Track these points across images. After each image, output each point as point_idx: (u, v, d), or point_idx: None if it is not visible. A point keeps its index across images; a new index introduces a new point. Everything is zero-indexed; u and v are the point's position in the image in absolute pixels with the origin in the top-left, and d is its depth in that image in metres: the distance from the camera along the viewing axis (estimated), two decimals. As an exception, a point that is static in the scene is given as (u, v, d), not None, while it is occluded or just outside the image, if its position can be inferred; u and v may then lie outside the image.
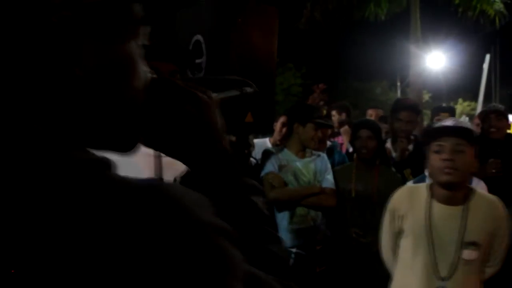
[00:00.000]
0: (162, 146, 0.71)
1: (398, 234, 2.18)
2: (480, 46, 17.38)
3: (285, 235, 3.09)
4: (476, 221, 2.02)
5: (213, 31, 1.73)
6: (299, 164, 3.24)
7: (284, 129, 3.92)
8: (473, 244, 2.00)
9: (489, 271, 2.08)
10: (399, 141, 3.49)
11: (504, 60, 21.05)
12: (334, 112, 4.86)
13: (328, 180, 3.24)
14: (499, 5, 11.67)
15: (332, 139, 4.48)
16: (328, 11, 12.16)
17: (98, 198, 0.44)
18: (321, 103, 6.84)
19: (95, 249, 0.42)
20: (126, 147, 0.61)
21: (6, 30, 0.49)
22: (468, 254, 2.00)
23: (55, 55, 0.51)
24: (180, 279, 0.44)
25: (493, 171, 3.27)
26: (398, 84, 23.69)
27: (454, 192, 2.05)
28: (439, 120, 3.97)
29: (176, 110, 0.68)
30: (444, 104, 5.05)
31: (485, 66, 12.78)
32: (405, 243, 2.14)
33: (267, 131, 3.56)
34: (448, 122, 2.08)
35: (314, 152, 3.37)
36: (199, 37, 1.86)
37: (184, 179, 0.71)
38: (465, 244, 2.00)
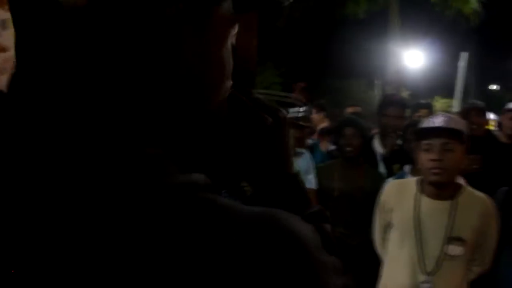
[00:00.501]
0: (230, 163, 0.63)
1: (386, 228, 2.20)
2: (457, 44, 17.64)
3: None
4: (464, 217, 2.03)
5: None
6: None
7: None
8: (458, 240, 2.02)
9: (476, 270, 2.10)
10: (388, 136, 3.51)
11: (480, 58, 21.41)
12: (312, 111, 4.90)
13: (310, 180, 3.23)
14: (474, 4, 11.87)
15: (313, 138, 4.48)
16: (307, 9, 12.21)
17: (206, 229, 0.39)
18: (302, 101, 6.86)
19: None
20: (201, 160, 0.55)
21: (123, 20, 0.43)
22: (453, 249, 2.02)
23: (160, 50, 0.45)
24: None
25: (474, 167, 3.30)
26: (377, 82, 23.89)
27: (443, 188, 2.07)
28: (419, 116, 4.01)
29: (256, 126, 0.60)
30: (422, 101, 5.11)
31: (461, 63, 12.98)
32: (393, 236, 2.16)
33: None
34: (438, 120, 2.07)
35: (297, 150, 3.36)
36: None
37: (250, 200, 0.63)
38: (450, 239, 2.01)
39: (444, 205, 2.07)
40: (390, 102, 3.63)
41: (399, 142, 3.53)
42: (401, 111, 3.60)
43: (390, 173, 3.25)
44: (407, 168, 3.09)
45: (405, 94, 20.86)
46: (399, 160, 3.33)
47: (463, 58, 13.25)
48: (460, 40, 17.70)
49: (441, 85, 22.81)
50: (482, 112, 3.92)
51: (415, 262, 2.06)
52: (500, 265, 2.71)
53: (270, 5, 0.63)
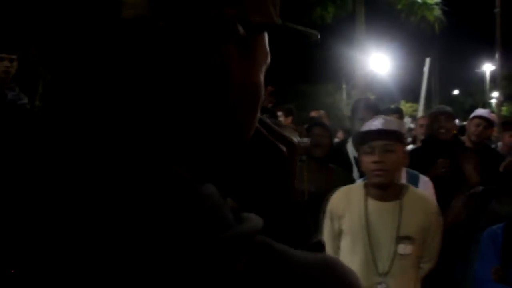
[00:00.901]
0: (240, 191, 0.59)
1: (338, 236, 2.22)
2: (422, 50, 18.08)
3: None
4: (410, 216, 2.08)
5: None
6: None
7: None
8: (407, 239, 2.06)
9: (425, 267, 2.15)
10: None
11: (443, 64, 22.00)
12: (280, 114, 4.92)
13: None
14: (438, 12, 12.20)
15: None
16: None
17: (269, 278, 0.38)
18: (269, 105, 6.87)
19: None
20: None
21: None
22: (403, 248, 2.06)
23: (211, 72, 0.42)
24: None
25: (443, 170, 3.37)
26: (344, 86, 24.22)
27: (387, 189, 2.12)
28: None
29: (273, 156, 0.57)
30: (392, 106, 5.17)
31: (426, 69, 13.29)
32: (345, 243, 2.19)
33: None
34: (377, 123, 2.11)
35: None
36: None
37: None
38: (400, 239, 2.06)
39: (390, 205, 2.11)
40: (363, 106, 3.67)
41: None
42: (372, 115, 3.62)
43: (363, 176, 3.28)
44: None
45: (371, 98, 21.23)
46: None
47: (427, 64, 13.58)
48: (425, 46, 18.17)
49: (407, 89, 23.33)
50: (451, 117, 3.99)
51: (368, 265, 2.08)
52: (469, 261, 2.79)
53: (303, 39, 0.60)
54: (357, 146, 2.22)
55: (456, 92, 32.28)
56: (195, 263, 0.35)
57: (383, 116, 2.22)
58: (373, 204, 2.14)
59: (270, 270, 0.38)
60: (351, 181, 3.21)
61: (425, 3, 11.96)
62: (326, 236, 2.30)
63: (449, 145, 3.70)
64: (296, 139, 0.61)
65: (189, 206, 0.38)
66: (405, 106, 24.00)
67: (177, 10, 0.40)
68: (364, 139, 2.11)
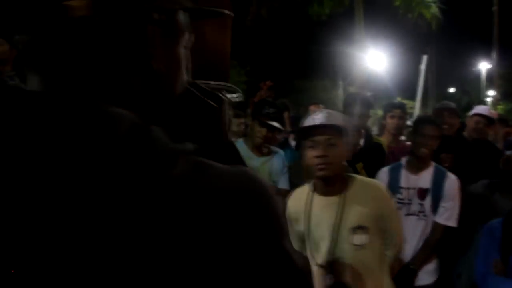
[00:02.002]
0: (184, 135, 0.76)
1: (300, 238, 2.20)
2: (418, 47, 18.09)
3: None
4: (358, 205, 2.07)
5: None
6: (255, 162, 3.20)
7: None
8: (360, 228, 2.05)
9: (391, 254, 2.15)
10: (351, 135, 3.53)
11: (439, 61, 22.03)
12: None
13: (284, 180, 3.23)
14: (434, 9, 12.20)
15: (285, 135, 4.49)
16: (274, 9, 12.25)
17: (200, 182, 0.52)
18: (269, 99, 6.87)
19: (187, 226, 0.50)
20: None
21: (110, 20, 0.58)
22: (358, 239, 2.05)
23: (141, 50, 0.60)
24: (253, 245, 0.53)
25: (446, 165, 3.39)
26: (340, 82, 24.25)
27: (332, 183, 2.11)
28: (392, 117, 4.04)
29: (204, 107, 0.77)
30: (396, 101, 5.14)
31: (422, 66, 13.31)
32: (307, 244, 2.17)
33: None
34: (319, 117, 2.10)
35: (272, 148, 3.35)
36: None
37: None
38: (352, 230, 2.04)
39: (334, 199, 2.10)
40: (355, 101, 3.65)
41: (361, 141, 3.57)
42: (365, 110, 3.59)
43: (354, 172, 3.27)
44: (403, 160, 3.12)
45: (367, 95, 21.23)
46: (362, 159, 3.36)
47: (424, 61, 13.59)
48: (422, 44, 18.17)
49: (403, 86, 23.34)
50: (454, 113, 4.00)
51: (325, 261, 2.07)
52: (470, 253, 2.80)
53: (216, 16, 0.85)
54: (300, 140, 2.21)
55: (452, 90, 32.35)
56: (138, 169, 0.50)
57: (325, 110, 2.22)
58: (317, 200, 2.14)
59: (198, 174, 0.53)
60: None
61: (422, 1, 11.96)
62: (294, 241, 2.28)
63: (452, 140, 3.72)
64: (223, 96, 0.81)
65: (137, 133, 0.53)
66: (401, 103, 24.08)
67: (111, 9, 0.57)
68: (307, 133, 2.10)
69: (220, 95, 0.79)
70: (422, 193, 2.99)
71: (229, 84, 1.06)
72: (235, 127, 5.18)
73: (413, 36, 15.51)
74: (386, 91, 21.98)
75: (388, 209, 2.13)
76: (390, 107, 4.23)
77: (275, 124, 3.21)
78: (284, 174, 3.25)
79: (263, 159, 3.26)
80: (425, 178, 3.02)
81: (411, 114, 10.95)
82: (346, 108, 3.61)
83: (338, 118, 2.13)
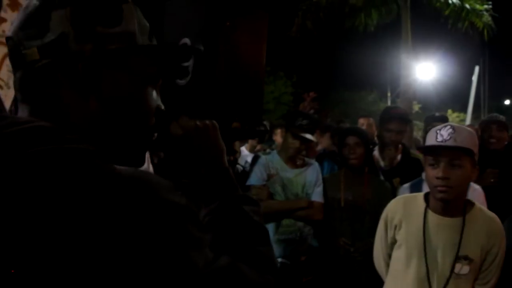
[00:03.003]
0: (170, 166, 0.89)
1: (391, 244, 2.13)
2: (470, 57, 17.56)
3: (270, 246, 3.04)
4: (472, 235, 1.95)
5: (201, 34, 1.69)
6: (288, 174, 3.18)
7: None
8: (466, 259, 1.95)
9: None
10: (387, 149, 3.46)
11: (493, 72, 21.28)
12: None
13: (317, 192, 3.19)
14: (487, 18, 11.80)
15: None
16: (319, 19, 12.21)
17: (90, 183, 0.59)
18: (312, 111, 6.82)
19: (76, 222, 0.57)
20: (139, 162, 0.80)
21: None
22: (460, 268, 1.94)
23: (78, 81, 0.72)
24: (147, 246, 0.60)
25: (491, 180, 3.26)
26: (389, 94, 23.83)
27: (451, 204, 1.99)
28: None
29: (181, 137, 0.87)
30: (437, 114, 4.97)
31: (474, 77, 12.93)
32: (398, 254, 2.09)
33: (253, 138, 3.50)
34: (444, 134, 1.95)
35: (306, 160, 3.33)
36: (186, 40, 1.82)
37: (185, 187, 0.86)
38: (458, 258, 1.94)
39: (452, 221, 1.98)
40: (393, 115, 3.58)
41: (399, 156, 3.50)
42: (402, 125, 3.50)
43: (391, 187, 3.21)
44: (424, 175, 3.05)
45: (416, 107, 20.79)
46: (399, 174, 3.28)
47: (476, 72, 13.18)
48: (474, 54, 17.63)
49: (454, 98, 22.71)
50: (503, 127, 3.84)
51: (421, 280, 1.98)
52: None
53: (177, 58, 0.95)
54: (423, 155, 2.07)
55: (507, 102, 31.13)
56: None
57: (451, 124, 2.02)
58: (433, 217, 2.01)
59: (89, 176, 0.60)
60: (387, 189, 3.14)
61: (473, 9, 11.59)
62: (377, 242, 2.21)
63: (499, 155, 3.57)
64: (209, 122, 0.90)
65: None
66: (451, 116, 23.37)
67: (53, 52, 0.72)
68: (429, 150, 1.97)
69: (202, 125, 0.89)
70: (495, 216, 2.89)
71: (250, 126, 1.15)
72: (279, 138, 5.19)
73: (465, 46, 15.06)
74: (436, 103, 21.43)
75: (499, 247, 1.98)
76: (431, 120, 4.13)
77: (308, 136, 3.17)
78: (318, 186, 3.21)
79: (297, 171, 3.22)
80: None
81: (461, 127, 10.59)
82: (382, 122, 3.54)
83: (465, 137, 1.94)
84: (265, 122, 4.04)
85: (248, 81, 1.86)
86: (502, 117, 4.02)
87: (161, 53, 0.84)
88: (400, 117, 3.53)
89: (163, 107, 0.84)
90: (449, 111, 23.94)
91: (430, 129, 3.97)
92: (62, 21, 0.71)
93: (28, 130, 0.62)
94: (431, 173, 1.94)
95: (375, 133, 4.50)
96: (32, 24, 0.72)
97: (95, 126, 0.73)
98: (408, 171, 3.26)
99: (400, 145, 3.55)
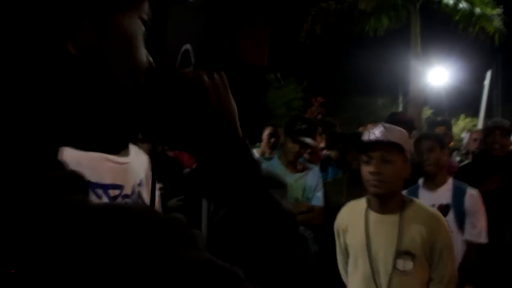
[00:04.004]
0: (167, 139, 0.62)
1: (345, 251, 2.18)
2: (482, 62, 17.42)
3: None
4: (411, 230, 1.99)
5: (202, 41, 1.73)
6: (289, 178, 3.18)
7: (272, 140, 3.92)
8: (407, 254, 1.97)
9: None
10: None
11: (505, 76, 21.07)
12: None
13: (318, 197, 3.20)
14: (498, 23, 11.73)
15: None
16: (328, 25, 12.24)
17: (55, 224, 0.40)
18: (319, 116, 6.86)
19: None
20: (118, 146, 0.55)
21: None
22: (403, 264, 1.97)
23: (45, 27, 0.45)
24: None
25: (494, 186, 3.26)
26: (400, 99, 23.72)
27: (387, 201, 2.05)
28: None
29: (180, 98, 0.60)
30: (439, 118, 4.95)
31: (486, 82, 12.83)
32: (351, 259, 2.13)
33: (255, 143, 3.53)
34: (376, 132, 2.04)
35: (307, 165, 3.34)
36: (187, 46, 1.87)
37: (194, 174, 0.63)
38: (399, 254, 1.98)
39: (391, 218, 2.03)
40: (397, 121, 3.59)
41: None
42: (407, 131, 3.51)
43: None
44: (420, 181, 3.07)
45: (428, 112, 20.69)
46: None
47: (488, 77, 13.08)
48: (485, 58, 17.48)
49: (466, 103, 22.50)
50: (507, 133, 3.82)
51: (368, 280, 2.01)
52: None
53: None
54: (358, 155, 2.16)
55: (520, 106, 30.78)
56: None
57: (383, 124, 2.13)
58: (373, 216, 2.08)
59: (52, 216, 0.40)
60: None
61: (484, 14, 11.53)
62: (337, 251, 2.27)
63: (502, 161, 3.56)
64: (217, 75, 0.65)
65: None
66: (464, 121, 23.18)
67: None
68: (363, 148, 2.06)
69: (206, 80, 0.63)
70: (443, 209, 2.89)
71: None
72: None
73: (476, 50, 14.97)
74: (447, 108, 21.27)
75: (442, 243, 2.01)
76: (434, 125, 4.12)
77: (308, 140, 3.18)
78: (319, 191, 3.22)
79: (297, 175, 3.24)
80: (444, 194, 2.94)
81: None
82: None
83: (395, 135, 2.06)
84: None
85: (250, 88, 1.91)
86: (506, 122, 3.99)
87: None
88: (405, 122, 3.55)
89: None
90: (462, 116, 23.75)
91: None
92: None
93: None
94: (365, 169, 2.04)
95: None
96: None
97: (70, 87, 0.48)
98: (412, 177, 3.27)
99: None
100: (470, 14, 11.52)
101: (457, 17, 11.58)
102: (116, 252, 0.40)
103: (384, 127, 2.07)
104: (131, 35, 0.52)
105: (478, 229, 2.86)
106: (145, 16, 0.55)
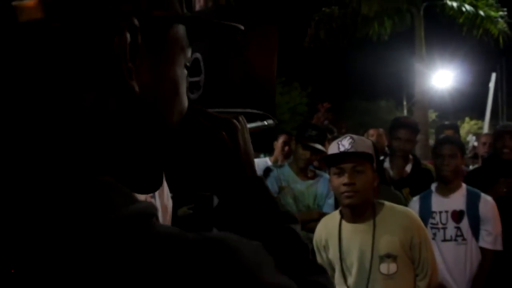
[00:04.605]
0: (190, 178, 0.66)
1: (329, 266, 2.16)
2: (486, 64, 17.41)
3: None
4: (386, 233, 2.02)
5: (212, 49, 1.73)
6: (300, 186, 3.20)
7: (286, 148, 3.93)
8: (388, 256, 2.00)
9: (421, 285, 2.05)
10: (398, 159, 3.47)
11: (510, 78, 21.02)
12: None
13: (329, 204, 3.19)
14: (502, 25, 11.70)
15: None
16: (332, 29, 12.25)
17: (148, 259, 0.40)
18: (326, 122, 6.84)
19: None
20: (154, 186, 0.56)
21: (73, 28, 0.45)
22: (387, 268, 1.99)
23: (111, 65, 0.46)
24: None
25: (504, 190, 3.22)
26: (405, 103, 23.69)
27: (359, 210, 2.07)
28: None
29: (210, 137, 0.63)
30: (447, 122, 4.92)
31: (491, 84, 12.78)
32: (336, 272, 2.13)
33: (267, 150, 3.53)
34: (344, 144, 2.06)
35: (318, 172, 3.35)
36: (197, 55, 1.87)
37: (216, 211, 0.67)
38: (381, 258, 2.00)
39: (364, 226, 2.05)
40: (401, 124, 3.58)
41: (408, 166, 3.49)
42: (412, 134, 3.50)
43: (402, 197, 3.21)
44: (433, 186, 3.04)
45: (433, 115, 20.65)
46: (409, 184, 3.28)
47: (493, 79, 13.04)
48: (490, 61, 17.47)
49: (471, 106, 22.48)
50: None
51: None
52: None
53: (221, 35, 0.71)
54: (327, 166, 2.17)
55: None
56: (77, 238, 0.39)
57: (350, 135, 2.15)
58: (346, 226, 2.10)
59: (145, 247, 0.40)
60: (398, 198, 3.14)
61: (488, 16, 11.50)
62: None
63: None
64: (237, 119, 0.67)
65: (76, 193, 0.42)
66: (469, 124, 23.13)
67: (71, 10, 0.44)
68: (333, 160, 2.08)
69: (234, 121, 0.66)
70: (456, 215, 2.88)
71: (257, 111, 0.98)
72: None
73: (481, 52, 14.95)
74: (452, 111, 21.23)
75: (419, 238, 2.06)
76: (442, 128, 4.10)
77: (318, 146, 3.18)
78: (330, 198, 3.21)
79: (309, 182, 3.24)
80: (457, 200, 2.91)
81: (479, 135, 10.48)
82: (392, 132, 3.55)
83: (364, 145, 2.10)
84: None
85: (260, 94, 1.89)
86: None
87: (204, 28, 0.62)
88: (409, 125, 3.53)
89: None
90: (467, 119, 23.71)
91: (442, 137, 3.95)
92: None
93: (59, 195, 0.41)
94: (337, 181, 2.05)
95: (385, 144, 4.49)
96: None
97: (129, 123, 0.49)
98: (418, 182, 3.26)
99: (411, 156, 3.55)
100: (474, 16, 11.49)
101: (461, 20, 11.56)
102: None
103: (352, 138, 2.10)
104: (180, 80, 0.55)
105: (493, 236, 2.83)
106: (188, 64, 0.57)
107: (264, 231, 0.62)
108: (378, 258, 2.00)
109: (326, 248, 2.16)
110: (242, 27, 0.67)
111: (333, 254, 2.12)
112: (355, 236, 2.07)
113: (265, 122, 0.91)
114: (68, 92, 0.45)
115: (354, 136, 2.14)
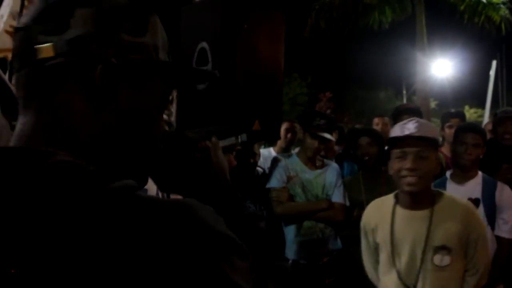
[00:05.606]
0: (177, 188, 0.89)
1: (375, 250, 2.13)
2: (487, 52, 17.34)
3: (292, 247, 3.04)
4: (444, 224, 1.95)
5: (219, 38, 1.69)
6: (308, 175, 3.17)
7: (289, 135, 3.89)
8: (443, 248, 1.93)
9: (471, 281, 1.99)
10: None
11: (510, 66, 20.94)
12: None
13: (338, 193, 3.17)
14: (504, 11, 11.63)
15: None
16: (332, 19, 12.16)
17: (134, 215, 0.55)
18: (328, 111, 6.81)
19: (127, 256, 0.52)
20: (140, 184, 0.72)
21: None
22: (440, 259, 1.93)
23: (93, 88, 0.65)
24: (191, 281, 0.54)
25: (508, 176, 3.19)
26: (404, 92, 23.63)
27: (418, 197, 2.00)
28: (450, 127, 3.88)
29: (187, 157, 0.87)
30: (453, 110, 4.88)
31: (492, 72, 12.71)
32: (382, 257, 2.09)
33: (274, 140, 3.50)
34: (410, 127, 1.99)
35: (326, 161, 3.31)
36: (204, 44, 1.82)
37: None
38: (436, 249, 1.93)
39: (422, 214, 1.98)
40: (405, 111, 3.54)
41: None
42: (413, 117, 3.49)
43: None
44: (448, 173, 3.01)
45: (432, 104, 20.58)
46: None
47: (494, 67, 12.98)
48: (491, 48, 17.39)
49: (471, 94, 22.42)
50: None
51: (401, 278, 1.98)
52: None
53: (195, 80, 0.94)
54: (389, 149, 2.09)
55: (526, 96, 30.61)
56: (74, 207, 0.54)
57: (416, 118, 2.07)
58: (401, 212, 2.03)
59: (132, 207, 0.56)
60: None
61: (490, 3, 11.42)
62: (363, 251, 2.22)
63: (512, 150, 3.50)
64: (213, 140, 0.90)
65: (79, 174, 0.58)
66: (469, 112, 23.07)
67: (73, 51, 0.65)
68: (397, 143, 2.00)
69: (207, 142, 0.88)
70: (473, 203, 2.85)
71: (231, 127, 1.07)
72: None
73: (482, 40, 14.87)
74: (452, 99, 21.17)
75: (476, 233, 1.98)
76: (448, 116, 4.07)
77: (327, 135, 3.15)
78: (338, 187, 3.18)
79: (317, 172, 3.20)
80: (473, 188, 2.87)
81: (479, 123, 10.45)
82: (396, 119, 3.53)
83: (430, 129, 2.02)
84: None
85: (267, 83, 1.85)
86: None
87: (180, 73, 0.79)
88: (412, 111, 3.51)
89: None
90: (466, 107, 23.65)
91: (447, 125, 3.92)
92: (85, 20, 0.65)
93: (58, 170, 0.57)
94: (398, 165, 1.97)
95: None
96: (51, 18, 0.65)
97: (105, 142, 0.66)
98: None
99: None
100: (476, 3, 11.42)
101: (462, 7, 11.49)
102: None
103: (418, 122, 2.02)
104: (153, 108, 0.72)
105: (510, 225, 2.79)
106: (172, 94, 0.79)
107: (234, 228, 0.72)
108: (432, 248, 1.94)
109: (374, 231, 2.11)
110: (218, 74, 0.92)
111: (382, 238, 2.06)
112: (410, 222, 2.00)
113: (239, 138, 1.03)
114: (64, 103, 0.65)
115: (421, 120, 2.06)
